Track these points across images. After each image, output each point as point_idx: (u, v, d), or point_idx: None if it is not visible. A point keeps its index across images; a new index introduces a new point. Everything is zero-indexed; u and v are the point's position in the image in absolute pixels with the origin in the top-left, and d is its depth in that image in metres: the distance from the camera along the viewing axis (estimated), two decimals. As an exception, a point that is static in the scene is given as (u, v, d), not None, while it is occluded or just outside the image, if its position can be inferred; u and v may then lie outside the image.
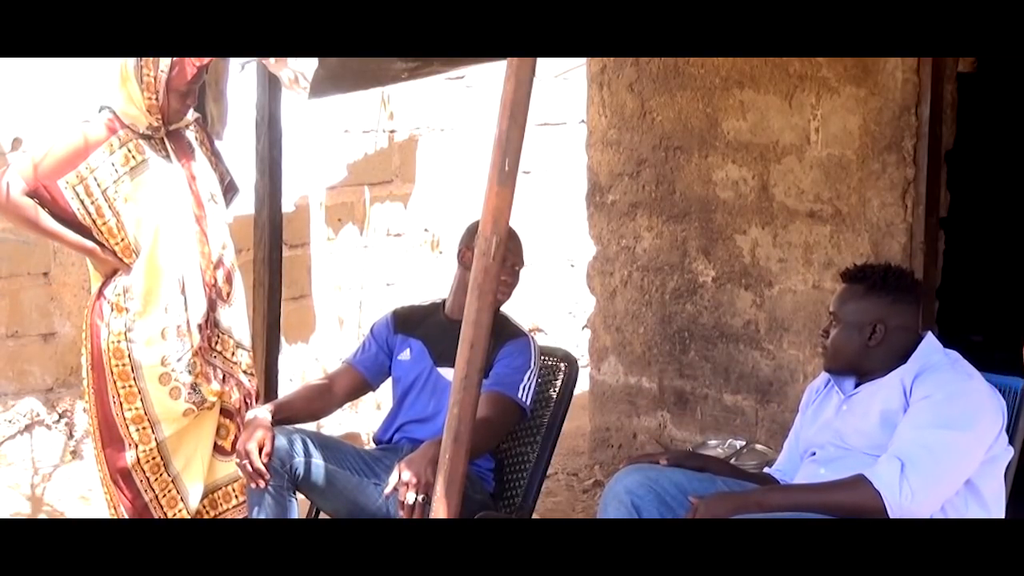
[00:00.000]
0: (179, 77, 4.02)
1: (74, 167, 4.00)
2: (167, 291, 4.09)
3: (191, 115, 4.24)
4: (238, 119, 4.69)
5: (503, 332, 3.88)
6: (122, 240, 4.07)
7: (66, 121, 4.25)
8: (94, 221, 4.04)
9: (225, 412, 4.28)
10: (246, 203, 4.58)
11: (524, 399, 3.89)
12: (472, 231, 3.94)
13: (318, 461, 3.80)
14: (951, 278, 4.89)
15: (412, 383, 4.03)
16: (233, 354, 4.27)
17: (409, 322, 4.10)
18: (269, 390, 4.53)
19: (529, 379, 3.91)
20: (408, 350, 4.05)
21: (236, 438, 4.24)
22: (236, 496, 4.29)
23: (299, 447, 3.79)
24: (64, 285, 5.70)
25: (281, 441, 3.78)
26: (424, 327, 4.06)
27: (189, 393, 4.13)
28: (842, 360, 3.42)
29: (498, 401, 3.84)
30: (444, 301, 4.11)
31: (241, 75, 4.71)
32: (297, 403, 4.04)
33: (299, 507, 3.87)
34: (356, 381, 4.11)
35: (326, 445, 3.86)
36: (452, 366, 3.71)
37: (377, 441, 4.15)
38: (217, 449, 4.29)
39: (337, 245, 6.82)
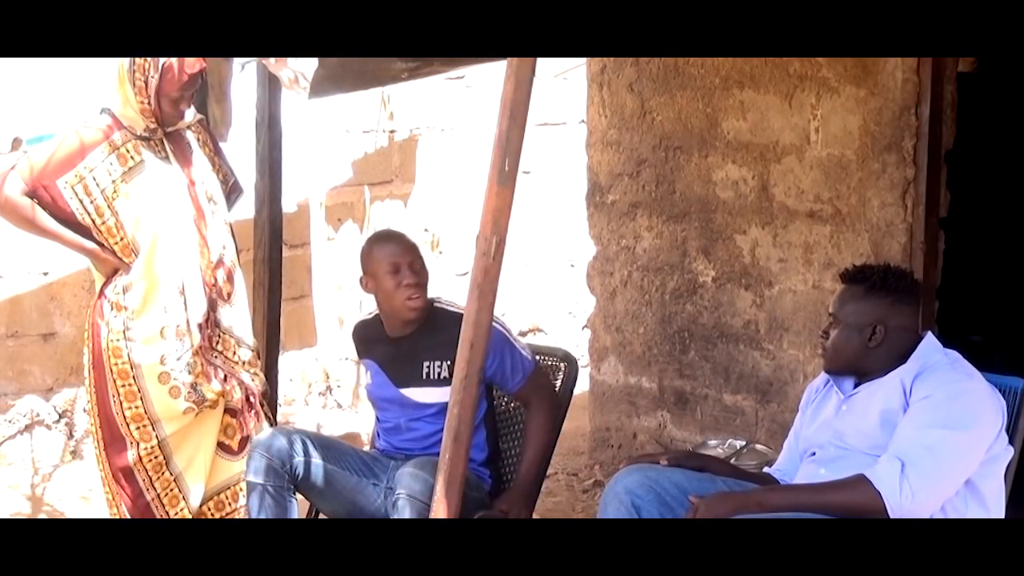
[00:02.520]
0: (169, 84, 4.01)
1: (73, 167, 4.01)
2: (166, 291, 4.09)
3: (192, 116, 4.23)
4: (238, 119, 4.69)
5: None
6: (121, 239, 4.07)
7: (65, 122, 4.25)
8: (93, 221, 4.04)
9: (230, 411, 4.28)
10: (246, 203, 4.58)
11: (530, 360, 3.92)
12: (366, 254, 3.93)
13: (318, 461, 3.81)
14: (951, 278, 4.89)
15: (385, 409, 4.00)
16: (234, 353, 4.27)
17: (364, 342, 4.07)
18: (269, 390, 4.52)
19: (519, 347, 3.91)
20: (369, 373, 4.03)
21: (243, 437, 4.25)
22: (243, 495, 4.28)
23: (299, 448, 3.79)
24: (64, 285, 5.71)
25: (281, 442, 3.78)
26: (375, 348, 4.00)
27: (189, 392, 4.13)
28: (842, 361, 3.42)
29: (536, 379, 3.93)
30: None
31: (241, 75, 4.71)
32: None
33: (298, 507, 3.88)
34: None
35: (326, 445, 3.87)
36: (416, 385, 3.82)
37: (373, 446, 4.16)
38: (224, 448, 4.28)
39: (337, 245, 6.83)
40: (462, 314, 3.77)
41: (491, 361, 3.80)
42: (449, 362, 3.75)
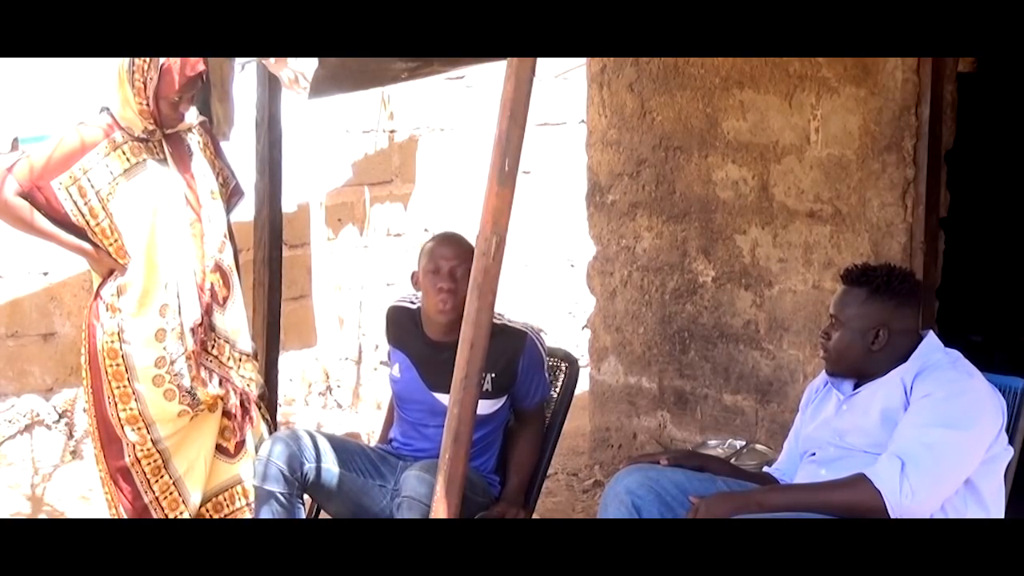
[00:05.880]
0: (167, 86, 3.99)
1: (68, 168, 3.99)
2: (162, 293, 4.08)
3: (194, 118, 4.22)
4: (239, 119, 4.69)
5: (512, 349, 3.81)
6: (116, 241, 4.05)
7: (63, 122, 4.24)
8: (87, 222, 4.03)
9: (227, 414, 4.27)
10: (246, 203, 4.58)
11: (548, 384, 3.98)
12: (422, 250, 3.86)
13: (327, 465, 3.81)
14: (951, 278, 4.89)
15: (410, 406, 3.97)
16: (229, 357, 4.25)
17: (399, 329, 4.00)
18: (269, 390, 4.52)
19: (547, 371, 3.94)
20: (397, 365, 3.97)
21: (239, 441, 4.25)
22: (240, 498, 4.28)
23: (309, 454, 3.79)
24: (64, 285, 5.71)
25: (291, 448, 3.77)
26: (410, 341, 3.94)
27: (183, 395, 4.11)
28: (844, 364, 3.41)
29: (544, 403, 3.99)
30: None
31: (241, 75, 4.71)
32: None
33: (304, 508, 3.88)
34: None
35: (335, 447, 3.86)
36: (447, 392, 3.57)
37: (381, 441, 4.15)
38: (221, 451, 4.27)
39: (337, 245, 6.83)
40: (515, 328, 3.84)
41: (527, 377, 3.85)
42: (493, 375, 3.76)
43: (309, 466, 3.78)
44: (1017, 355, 5.30)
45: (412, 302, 4.00)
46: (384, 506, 3.82)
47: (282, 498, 3.75)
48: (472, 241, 3.44)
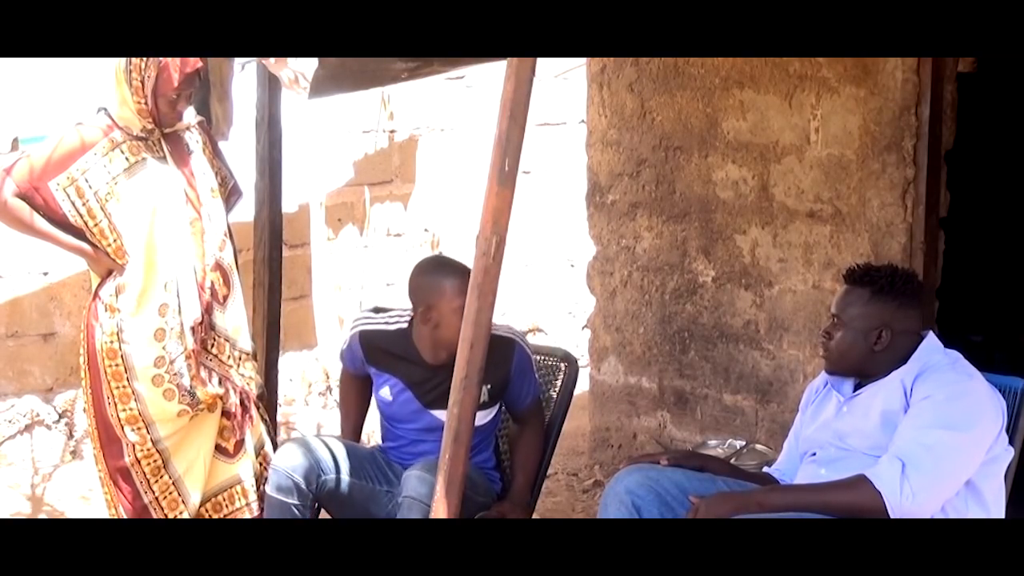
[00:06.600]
0: (165, 84, 3.98)
1: (66, 169, 3.99)
2: (161, 293, 4.07)
3: (192, 118, 4.21)
4: (238, 119, 4.69)
5: (502, 358, 3.75)
6: (114, 241, 4.05)
7: (64, 121, 4.24)
8: (86, 223, 4.02)
9: (226, 414, 4.26)
10: (246, 203, 4.58)
11: (538, 382, 3.97)
12: (432, 287, 3.76)
13: (343, 476, 3.81)
14: (951, 278, 4.89)
15: (404, 426, 3.95)
16: (228, 356, 4.25)
17: (380, 354, 3.93)
18: (269, 390, 4.52)
19: (534, 371, 3.93)
20: (387, 388, 3.94)
21: (238, 440, 4.25)
22: (240, 498, 4.27)
23: (327, 465, 3.80)
24: (64, 285, 5.71)
25: (309, 460, 3.78)
26: (399, 365, 3.88)
27: (183, 395, 4.11)
28: (846, 364, 3.41)
29: (539, 401, 3.98)
30: (410, 327, 3.90)
31: (241, 75, 4.71)
32: (356, 421, 4.13)
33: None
34: (368, 384, 4.08)
35: (348, 455, 3.87)
36: (445, 408, 3.50)
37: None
38: (221, 451, 4.27)
39: (337, 245, 6.83)
40: (502, 336, 3.78)
41: (518, 381, 3.84)
42: (488, 386, 3.72)
43: (325, 478, 3.79)
44: (1017, 355, 5.31)
45: (386, 323, 3.91)
46: (390, 510, 3.83)
47: (295, 510, 3.77)
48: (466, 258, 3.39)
